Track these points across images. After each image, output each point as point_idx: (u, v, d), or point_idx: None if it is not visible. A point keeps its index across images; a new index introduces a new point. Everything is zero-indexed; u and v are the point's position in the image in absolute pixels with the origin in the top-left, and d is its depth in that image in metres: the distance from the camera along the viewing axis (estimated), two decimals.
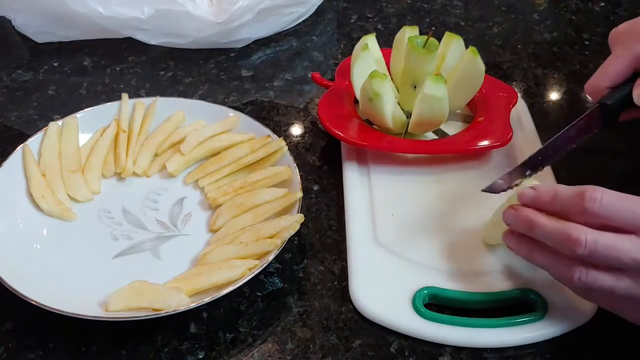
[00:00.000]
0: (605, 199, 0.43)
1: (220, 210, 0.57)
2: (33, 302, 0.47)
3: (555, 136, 0.53)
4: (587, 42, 0.83)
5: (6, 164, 0.58)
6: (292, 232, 0.52)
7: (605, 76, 0.53)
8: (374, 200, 0.59)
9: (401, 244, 0.55)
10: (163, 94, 0.67)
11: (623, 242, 0.42)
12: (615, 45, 0.55)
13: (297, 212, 0.54)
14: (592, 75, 0.56)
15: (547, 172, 0.61)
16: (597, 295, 0.46)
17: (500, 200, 0.53)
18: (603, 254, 0.42)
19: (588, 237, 0.42)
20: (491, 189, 0.51)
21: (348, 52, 0.72)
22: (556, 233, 0.44)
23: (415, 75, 0.62)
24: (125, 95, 0.65)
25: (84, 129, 0.63)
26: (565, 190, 0.45)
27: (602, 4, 0.90)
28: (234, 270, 0.50)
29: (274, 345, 0.50)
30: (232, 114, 0.64)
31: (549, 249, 0.45)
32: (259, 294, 0.53)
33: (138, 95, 0.70)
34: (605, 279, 0.43)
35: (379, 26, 0.85)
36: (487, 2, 0.91)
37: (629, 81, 0.53)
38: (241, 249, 0.52)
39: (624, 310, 0.46)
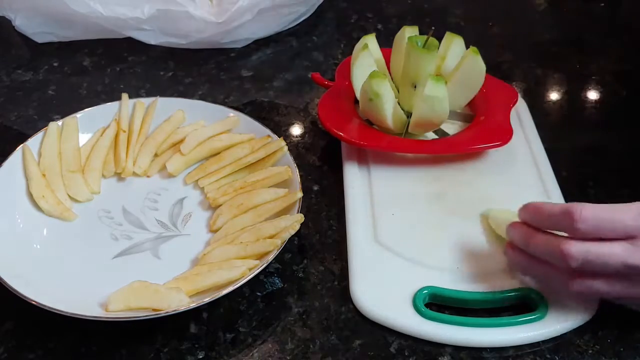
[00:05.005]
0: (592, 215, 0.44)
1: (220, 210, 0.57)
2: (33, 302, 0.47)
3: None
4: (587, 42, 0.83)
5: (6, 164, 0.58)
6: (292, 232, 0.52)
7: None
8: (374, 200, 0.59)
9: (401, 243, 0.55)
10: (163, 94, 0.67)
11: (612, 249, 0.44)
12: None
13: (297, 212, 0.54)
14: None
15: (547, 173, 0.61)
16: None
17: (501, 200, 0.53)
18: (594, 262, 0.44)
19: (579, 249, 0.44)
20: None
21: (348, 52, 0.72)
22: (549, 248, 0.46)
23: (415, 75, 0.62)
24: (125, 95, 0.65)
25: (84, 129, 0.63)
26: (553, 209, 0.47)
27: (602, 4, 0.90)
28: (234, 270, 0.50)
29: (274, 345, 0.50)
30: (232, 114, 0.64)
31: (545, 262, 0.48)
32: (259, 294, 0.53)
33: (138, 95, 0.70)
34: (600, 286, 0.46)
35: (379, 26, 0.85)
36: (487, 2, 0.91)
37: None
38: (241, 249, 0.52)
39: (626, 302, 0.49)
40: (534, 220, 0.48)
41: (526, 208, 0.49)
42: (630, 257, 0.44)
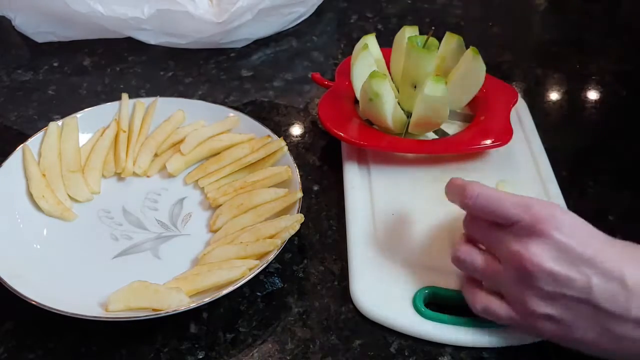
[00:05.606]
0: (479, 194, 0.47)
1: (220, 210, 0.57)
2: (33, 302, 0.47)
3: None
4: (587, 42, 0.83)
5: (6, 164, 0.58)
6: (292, 232, 0.52)
7: None
8: (374, 200, 0.59)
9: (401, 243, 0.55)
10: (163, 94, 0.67)
11: (491, 228, 0.47)
12: None
13: (297, 212, 0.54)
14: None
15: (547, 173, 0.61)
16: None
17: None
18: (471, 226, 0.48)
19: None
20: None
21: (348, 52, 0.72)
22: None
23: (415, 75, 0.62)
24: (125, 95, 0.65)
25: (84, 129, 0.63)
26: (458, 182, 0.49)
27: (602, 4, 0.90)
28: (234, 270, 0.50)
29: (274, 345, 0.50)
30: (232, 114, 0.64)
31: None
32: (259, 294, 0.53)
33: (138, 95, 0.70)
34: (478, 258, 0.47)
35: (379, 26, 0.85)
36: (487, 2, 0.91)
37: None
38: (241, 249, 0.52)
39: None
40: (448, 188, 0.50)
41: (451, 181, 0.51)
42: (506, 239, 0.45)
